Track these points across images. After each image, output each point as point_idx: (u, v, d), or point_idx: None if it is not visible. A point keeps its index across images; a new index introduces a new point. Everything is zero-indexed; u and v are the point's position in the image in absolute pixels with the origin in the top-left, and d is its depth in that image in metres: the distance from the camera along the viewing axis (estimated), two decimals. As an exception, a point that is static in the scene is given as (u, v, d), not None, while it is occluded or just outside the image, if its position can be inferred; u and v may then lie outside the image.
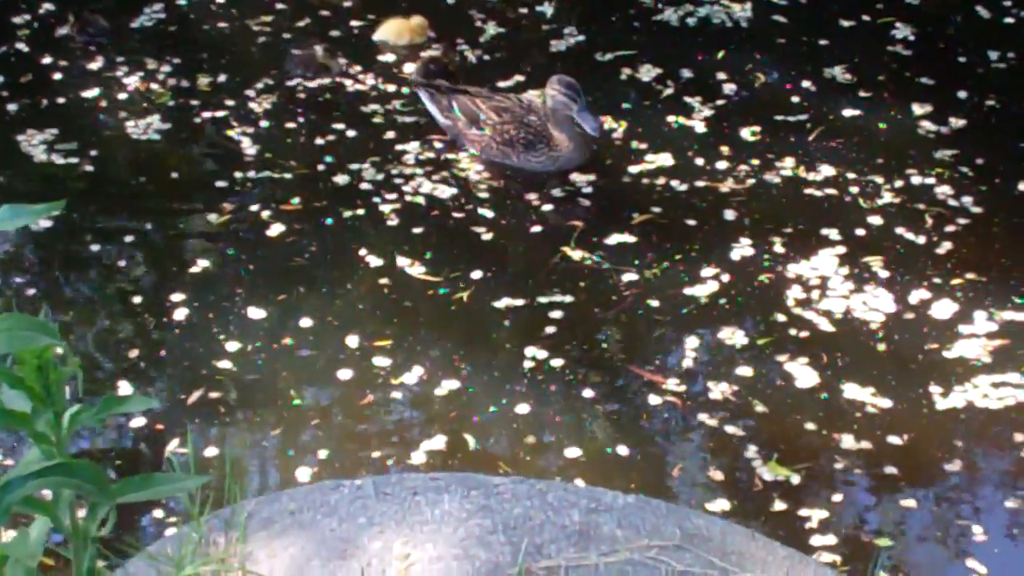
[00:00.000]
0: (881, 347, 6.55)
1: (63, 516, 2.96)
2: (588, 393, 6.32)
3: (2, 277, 6.94)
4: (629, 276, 6.91)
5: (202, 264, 7.01)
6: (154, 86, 8.37)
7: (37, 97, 8.22)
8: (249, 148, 7.90)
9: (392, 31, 8.91)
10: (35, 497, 2.90)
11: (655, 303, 6.78)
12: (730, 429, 6.10)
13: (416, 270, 6.96)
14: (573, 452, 6.01)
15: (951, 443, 6.03)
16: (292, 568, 4.16)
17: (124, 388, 6.20)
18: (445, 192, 7.53)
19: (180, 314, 6.67)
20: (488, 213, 7.37)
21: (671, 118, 8.19)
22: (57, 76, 8.44)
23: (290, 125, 8.02)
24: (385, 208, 7.41)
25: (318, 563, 4.18)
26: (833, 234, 7.22)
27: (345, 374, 6.38)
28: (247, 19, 9.13)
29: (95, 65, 8.54)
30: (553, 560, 4.19)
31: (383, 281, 6.90)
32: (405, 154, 7.83)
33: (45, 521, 3.01)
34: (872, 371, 6.40)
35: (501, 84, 8.49)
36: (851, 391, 6.28)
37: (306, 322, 6.61)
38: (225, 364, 6.39)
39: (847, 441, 6.01)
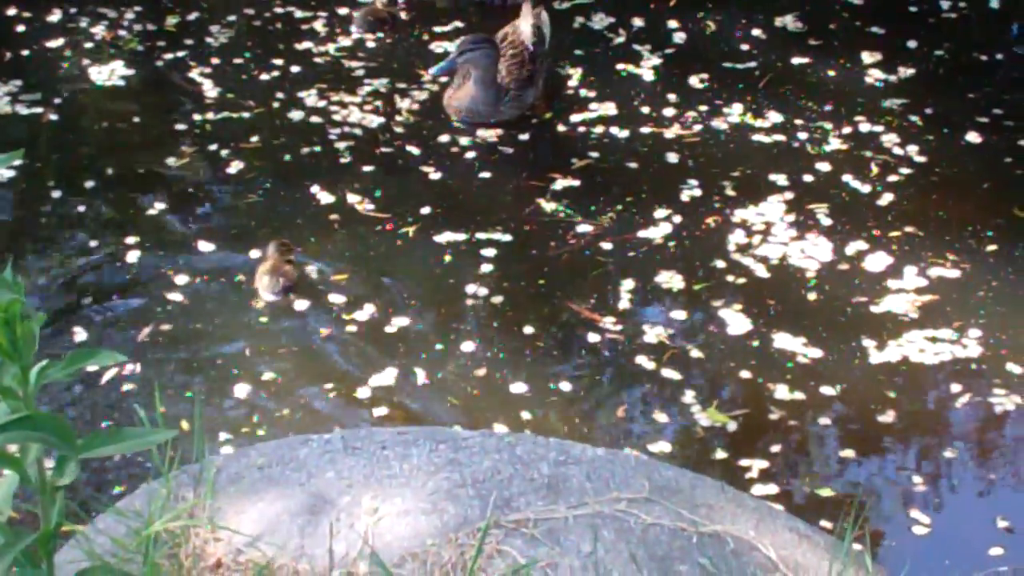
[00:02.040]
0: (812, 296, 6.34)
1: (30, 470, 2.84)
2: (529, 330, 6.15)
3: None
4: (582, 222, 6.73)
5: (159, 206, 6.81)
6: (121, 32, 8.11)
7: (1, 50, 7.94)
8: (210, 90, 7.69)
9: None
10: (2, 451, 2.81)
11: (602, 245, 6.60)
12: (666, 373, 5.90)
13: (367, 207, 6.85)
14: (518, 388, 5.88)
15: (885, 395, 5.81)
16: (261, 523, 3.99)
17: (79, 334, 6.00)
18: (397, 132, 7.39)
19: (133, 256, 6.48)
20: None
21: (621, 66, 7.93)
22: (20, 28, 8.13)
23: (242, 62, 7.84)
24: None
25: (287, 518, 4.02)
26: (781, 180, 7.01)
27: (300, 305, 6.24)
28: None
29: (57, 16, 8.23)
30: (522, 513, 4.02)
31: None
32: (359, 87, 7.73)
33: (13, 476, 2.87)
34: (803, 321, 6.19)
35: (438, 29, 8.31)
36: (782, 340, 6.06)
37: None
38: (176, 297, 6.21)
39: (781, 391, 5.80)
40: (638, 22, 8.31)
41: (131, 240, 6.60)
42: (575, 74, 7.86)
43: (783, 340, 6.06)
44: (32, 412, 2.77)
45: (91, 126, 7.45)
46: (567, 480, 4.18)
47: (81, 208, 6.85)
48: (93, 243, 6.61)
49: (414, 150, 7.32)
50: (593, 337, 6.13)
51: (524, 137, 7.46)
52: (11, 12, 8.25)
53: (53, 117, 7.44)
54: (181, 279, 6.34)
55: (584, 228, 6.69)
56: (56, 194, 6.90)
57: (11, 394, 2.79)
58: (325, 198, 6.90)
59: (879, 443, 5.65)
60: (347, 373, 5.94)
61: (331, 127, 7.45)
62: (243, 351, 6.01)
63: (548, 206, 6.81)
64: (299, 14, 8.40)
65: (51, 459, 2.87)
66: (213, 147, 7.23)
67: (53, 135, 7.35)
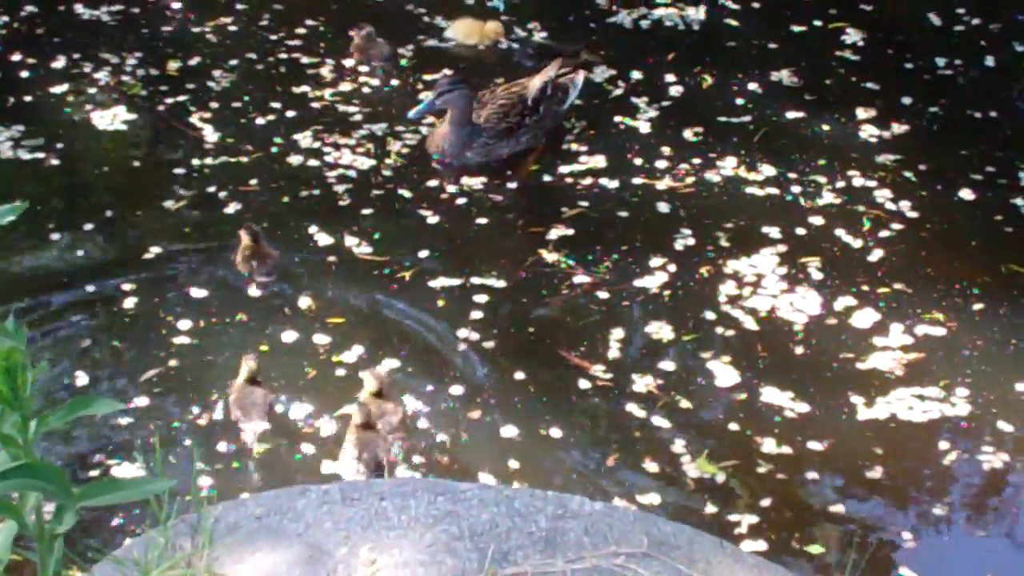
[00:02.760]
0: (799, 350, 6.25)
1: (29, 518, 2.85)
2: (519, 375, 6.06)
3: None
4: (580, 272, 6.65)
5: (154, 249, 6.73)
6: (124, 77, 8.03)
7: (5, 95, 7.83)
8: (210, 135, 7.62)
9: (463, 31, 8.60)
10: (1, 499, 2.81)
11: (597, 294, 6.53)
12: (656, 422, 5.82)
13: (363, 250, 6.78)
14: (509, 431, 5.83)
15: (872, 452, 5.71)
16: (258, 573, 3.93)
17: (81, 378, 5.92)
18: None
19: (130, 301, 6.40)
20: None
21: (618, 118, 7.86)
22: (25, 74, 8.03)
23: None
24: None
25: (284, 568, 3.96)
26: (774, 232, 6.94)
27: (289, 343, 6.19)
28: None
29: (62, 63, 8.13)
30: (520, 567, 3.97)
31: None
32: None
33: (11, 523, 2.88)
34: (791, 375, 6.09)
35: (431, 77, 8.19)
36: (770, 394, 5.97)
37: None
38: (178, 339, 6.15)
39: (768, 445, 5.72)
40: (637, 75, 8.23)
41: (129, 284, 6.50)
42: (572, 125, 7.79)
43: (770, 394, 5.97)
44: (31, 461, 2.76)
45: (92, 170, 7.36)
46: (565, 534, 4.11)
47: (80, 252, 6.75)
48: (91, 287, 6.50)
49: (405, 193, 7.25)
50: (583, 384, 6.04)
51: (512, 185, 7.35)
52: (16, 58, 8.16)
53: (55, 162, 7.33)
54: (183, 323, 6.26)
55: (581, 278, 6.60)
56: (55, 236, 6.81)
57: (11, 442, 2.78)
58: (323, 240, 6.84)
59: (868, 499, 5.55)
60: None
61: (327, 170, 7.38)
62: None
63: (550, 256, 6.72)
64: (305, 60, 8.34)
65: (50, 507, 2.85)
66: (211, 189, 7.16)
67: (54, 179, 7.24)
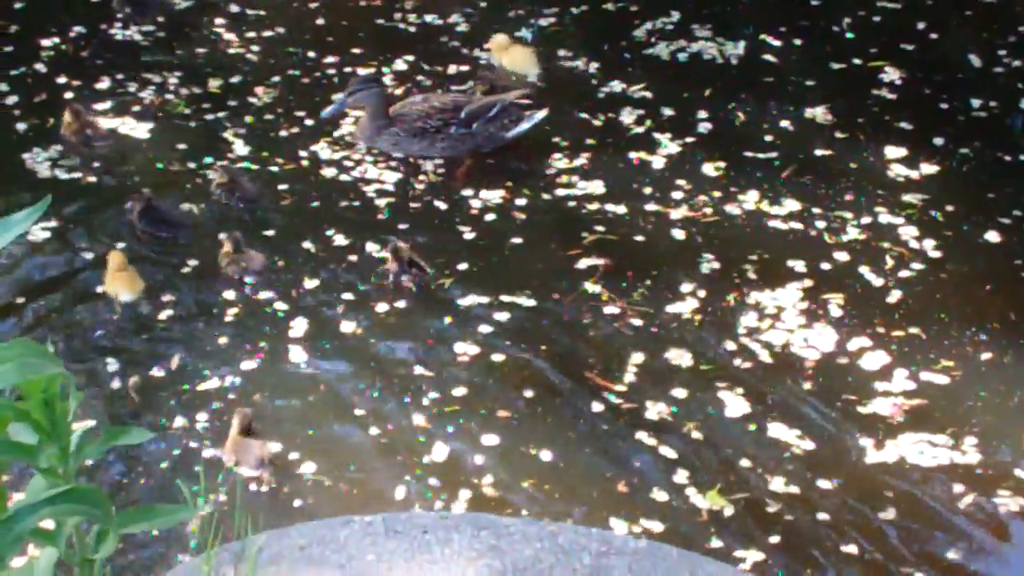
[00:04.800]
0: (807, 386, 6.01)
1: (69, 546, 2.82)
2: (528, 393, 5.95)
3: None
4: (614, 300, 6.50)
5: (192, 263, 6.69)
6: (168, 96, 7.99)
7: (45, 116, 7.74)
8: (241, 148, 7.58)
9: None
10: (42, 527, 2.75)
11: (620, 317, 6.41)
12: (666, 449, 5.64)
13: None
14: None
15: (883, 494, 5.47)
16: None
17: (117, 403, 5.81)
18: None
19: (166, 312, 6.38)
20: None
21: (632, 154, 7.61)
22: (68, 95, 7.96)
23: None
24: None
25: None
26: (799, 266, 6.71)
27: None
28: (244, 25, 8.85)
29: (106, 83, 8.09)
30: None
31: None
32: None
33: (52, 550, 2.83)
34: (798, 411, 5.87)
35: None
36: (777, 430, 5.76)
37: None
38: (211, 358, 6.07)
39: (777, 483, 5.50)
40: (668, 111, 8.00)
41: (167, 299, 6.46)
42: (570, 159, 7.56)
43: (778, 429, 5.75)
44: (74, 485, 2.71)
45: (127, 189, 7.22)
46: (609, 571, 4.02)
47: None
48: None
49: (441, 205, 7.20)
50: (596, 408, 5.86)
51: (520, 201, 7.21)
52: (61, 80, 8.10)
53: (92, 179, 7.28)
54: (222, 340, 6.20)
55: (616, 308, 6.44)
56: (88, 256, 6.73)
57: (52, 473, 2.75)
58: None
59: (879, 541, 5.27)
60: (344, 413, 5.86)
61: (363, 184, 7.33)
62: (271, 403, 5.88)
63: (592, 287, 6.54)
64: (338, 79, 8.29)
65: (90, 532, 2.84)
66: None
67: (91, 198, 7.16)
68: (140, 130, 7.71)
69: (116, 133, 7.66)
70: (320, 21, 8.91)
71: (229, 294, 6.51)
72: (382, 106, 7.63)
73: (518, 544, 4.18)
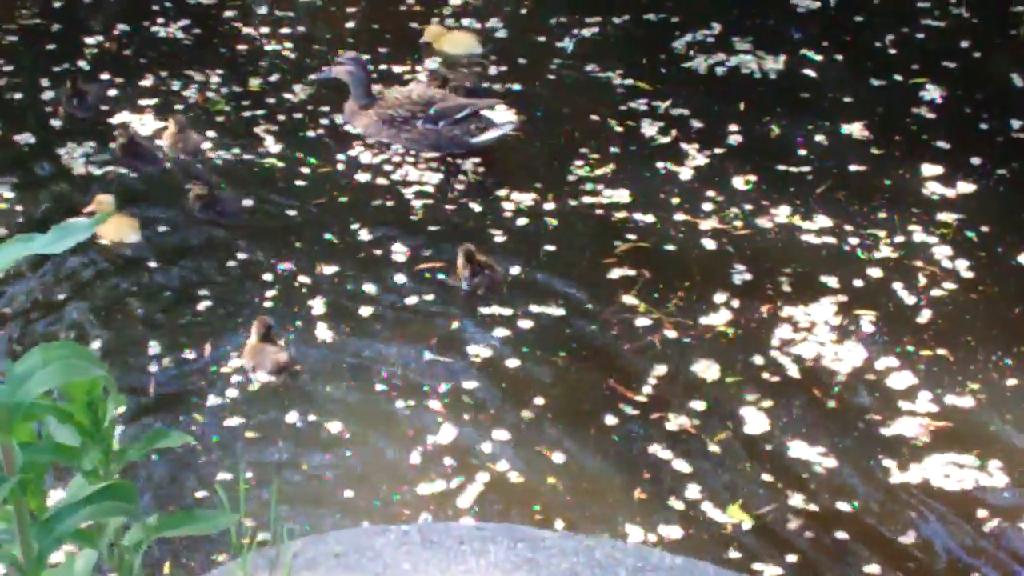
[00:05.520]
0: (832, 403, 5.88)
1: (106, 548, 2.85)
2: (544, 396, 5.92)
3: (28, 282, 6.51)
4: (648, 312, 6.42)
5: (230, 264, 6.69)
6: (209, 94, 7.99)
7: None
8: (273, 145, 7.60)
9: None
10: (82, 528, 2.76)
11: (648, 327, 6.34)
12: (685, 460, 5.56)
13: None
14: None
15: (906, 516, 5.32)
16: None
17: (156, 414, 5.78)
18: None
19: (202, 305, 6.40)
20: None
21: (660, 164, 7.51)
22: (113, 92, 8.00)
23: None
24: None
25: None
26: (832, 281, 6.60)
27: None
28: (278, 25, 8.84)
29: (150, 81, 8.10)
30: None
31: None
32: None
33: (90, 551, 2.85)
34: (820, 429, 5.75)
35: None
36: (798, 447, 5.63)
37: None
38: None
39: (797, 499, 5.38)
40: (697, 123, 7.88)
41: (203, 294, 6.47)
42: (595, 167, 7.48)
43: (799, 447, 5.63)
44: (110, 482, 2.72)
45: (160, 185, 7.29)
46: None
47: (152, 263, 6.70)
48: (167, 294, 6.49)
49: (476, 207, 7.16)
50: (615, 415, 5.78)
51: (549, 206, 7.15)
52: (104, 77, 8.10)
53: (124, 173, 7.27)
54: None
55: (648, 320, 6.34)
56: (127, 252, 6.73)
57: (94, 475, 2.76)
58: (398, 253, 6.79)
59: (901, 563, 5.12)
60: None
61: (402, 186, 7.30)
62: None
63: (629, 299, 6.44)
64: (397, 69, 8.32)
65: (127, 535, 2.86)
66: (287, 208, 7.14)
67: (122, 193, 7.11)
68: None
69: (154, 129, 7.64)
70: (350, 24, 8.89)
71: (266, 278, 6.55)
72: (361, 86, 7.66)
73: (554, 558, 4.13)
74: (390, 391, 5.99)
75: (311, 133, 7.74)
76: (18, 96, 7.95)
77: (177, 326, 6.29)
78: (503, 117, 7.68)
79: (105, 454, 2.75)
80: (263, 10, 8.91)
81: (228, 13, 8.93)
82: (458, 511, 5.39)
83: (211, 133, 7.68)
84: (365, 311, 6.43)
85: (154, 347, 6.12)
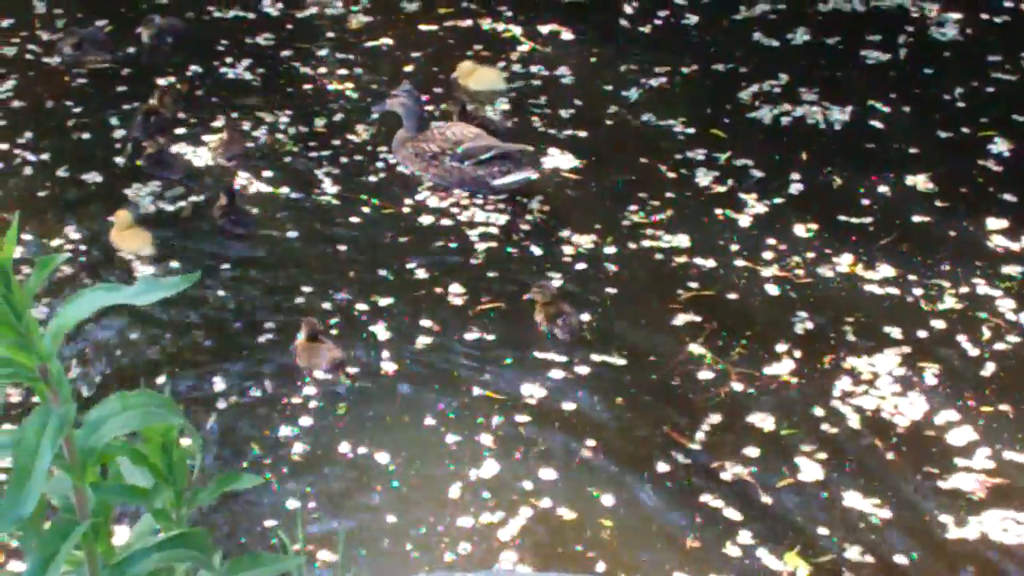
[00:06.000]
0: (889, 456, 5.78)
1: None
2: (594, 439, 5.89)
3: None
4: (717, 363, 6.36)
5: (297, 300, 6.70)
6: (279, 136, 8.03)
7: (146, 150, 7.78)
8: (332, 187, 7.64)
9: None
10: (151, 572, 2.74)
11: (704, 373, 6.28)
12: (737, 509, 5.52)
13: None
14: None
15: (962, 570, 5.24)
16: None
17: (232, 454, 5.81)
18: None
19: (265, 336, 6.47)
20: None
21: (719, 210, 7.44)
22: (181, 130, 8.07)
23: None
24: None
25: None
26: (895, 332, 6.51)
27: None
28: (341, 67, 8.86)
29: (221, 122, 8.14)
30: None
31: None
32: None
33: None
34: (874, 480, 5.65)
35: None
36: (852, 498, 5.56)
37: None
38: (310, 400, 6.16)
39: (853, 552, 5.31)
40: (757, 173, 7.79)
41: (269, 326, 6.51)
42: (651, 213, 7.44)
43: (853, 498, 5.55)
44: (183, 529, 2.73)
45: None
46: None
47: (220, 292, 6.75)
48: (235, 325, 6.54)
49: (536, 250, 7.14)
50: (671, 464, 5.73)
51: (611, 251, 7.13)
52: (181, 115, 8.17)
53: (190, 215, 7.34)
54: (309, 389, 6.18)
55: (708, 371, 6.29)
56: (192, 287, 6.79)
57: (164, 516, 2.76)
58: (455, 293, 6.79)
59: None
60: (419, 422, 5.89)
61: (468, 228, 7.32)
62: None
63: (696, 349, 6.40)
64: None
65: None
66: (325, 229, 7.22)
67: (184, 230, 7.23)
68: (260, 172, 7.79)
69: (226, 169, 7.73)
70: (409, 68, 8.91)
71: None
72: (413, 119, 7.76)
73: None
74: (440, 424, 5.99)
75: (373, 178, 7.76)
76: (86, 136, 8.02)
77: (241, 358, 6.33)
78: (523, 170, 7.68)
79: (177, 496, 2.75)
80: (323, 52, 8.96)
81: (285, 52, 8.98)
82: (501, 545, 5.37)
83: (270, 172, 7.75)
84: (421, 342, 6.45)
85: (219, 383, 6.15)
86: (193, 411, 5.92)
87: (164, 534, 2.70)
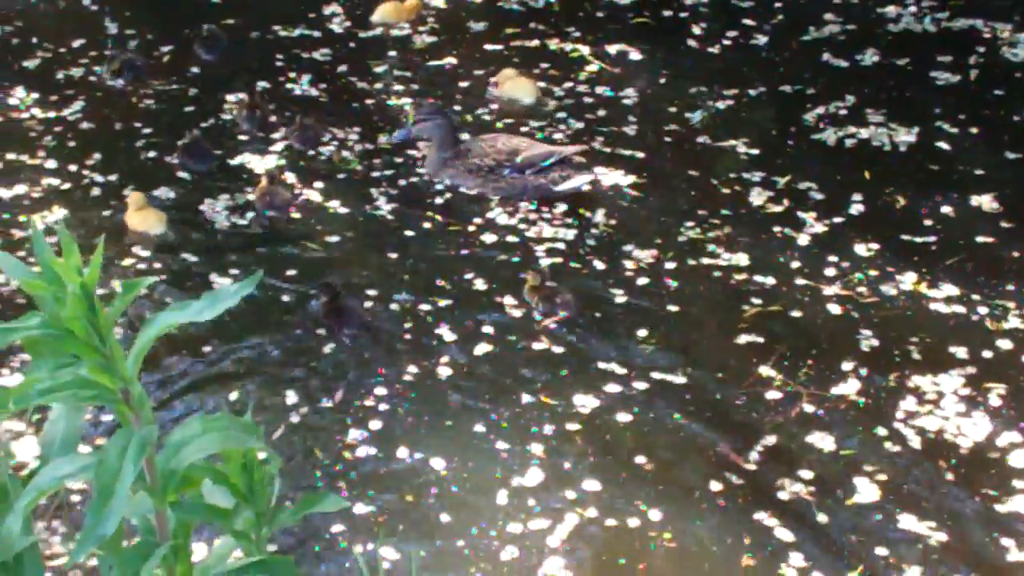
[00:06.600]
0: (949, 477, 5.69)
1: None
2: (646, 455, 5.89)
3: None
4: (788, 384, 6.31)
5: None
6: (345, 153, 8.07)
7: (227, 168, 7.95)
8: (386, 206, 7.66)
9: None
10: None
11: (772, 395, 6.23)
12: (792, 529, 5.48)
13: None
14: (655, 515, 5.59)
15: None
16: None
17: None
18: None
19: (326, 347, 6.53)
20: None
21: (777, 228, 7.41)
22: (242, 137, 8.19)
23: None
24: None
25: None
26: (961, 352, 6.41)
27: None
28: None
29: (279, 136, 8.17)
30: None
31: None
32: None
33: None
34: (931, 502, 5.58)
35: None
36: (907, 520, 5.50)
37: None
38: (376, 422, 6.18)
39: (912, 574, 5.27)
40: (818, 195, 7.71)
41: (328, 348, 6.53)
42: (707, 230, 7.42)
43: (908, 520, 5.49)
44: (266, 556, 2.76)
45: (294, 237, 7.37)
46: None
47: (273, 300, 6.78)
48: (299, 331, 6.61)
49: (600, 264, 7.14)
50: (724, 483, 5.70)
51: (669, 265, 7.11)
52: (243, 138, 8.22)
53: (258, 231, 7.40)
54: (379, 390, 6.26)
55: (778, 392, 6.26)
56: (256, 293, 6.66)
57: (244, 537, 2.80)
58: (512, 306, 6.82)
59: None
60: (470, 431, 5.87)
61: (534, 244, 7.32)
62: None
63: (766, 371, 6.34)
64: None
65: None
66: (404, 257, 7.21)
67: (259, 246, 7.27)
68: (313, 184, 7.84)
69: (292, 186, 7.78)
70: (465, 83, 8.94)
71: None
72: (447, 138, 7.73)
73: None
74: (489, 431, 6.03)
75: (439, 200, 7.78)
76: (152, 155, 8.09)
77: (311, 369, 6.39)
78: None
79: (258, 516, 2.77)
80: (381, 69, 9.03)
81: (342, 68, 9.04)
82: (546, 551, 5.39)
83: (331, 186, 7.83)
84: (480, 349, 6.51)
85: (291, 397, 6.22)
86: (264, 422, 5.98)
87: (244, 556, 2.72)
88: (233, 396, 6.17)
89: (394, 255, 7.23)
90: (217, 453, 2.72)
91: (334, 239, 7.37)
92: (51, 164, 7.91)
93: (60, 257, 2.56)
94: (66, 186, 7.72)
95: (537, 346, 6.55)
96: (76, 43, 9.22)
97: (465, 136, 7.93)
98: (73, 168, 7.90)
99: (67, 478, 2.60)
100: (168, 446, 2.62)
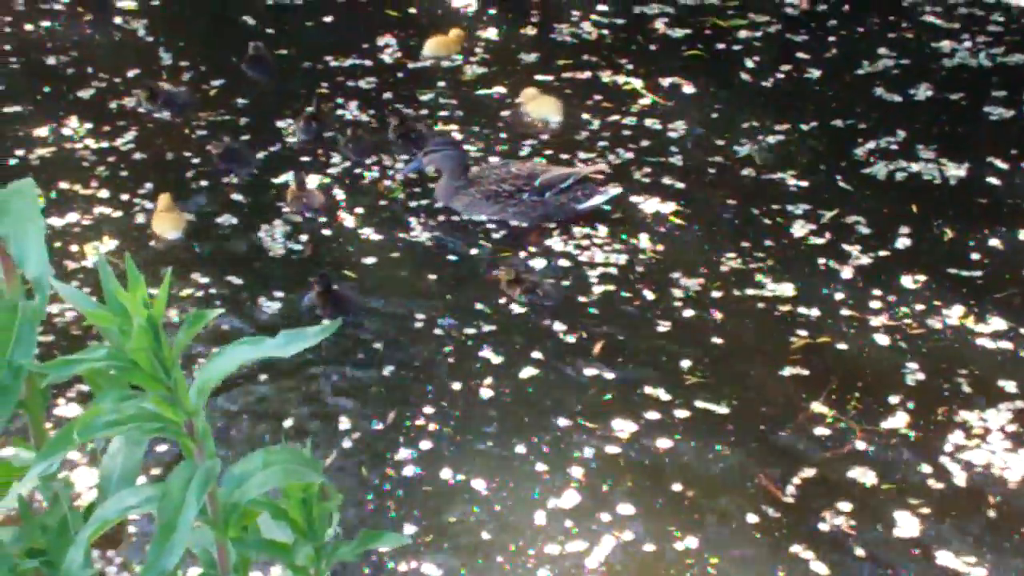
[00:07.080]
0: (991, 513, 5.62)
1: None
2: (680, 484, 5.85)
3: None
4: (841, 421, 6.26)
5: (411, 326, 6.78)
6: (387, 182, 8.13)
7: (272, 196, 7.98)
8: (420, 235, 7.69)
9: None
10: None
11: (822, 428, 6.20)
12: (820, 568, 5.45)
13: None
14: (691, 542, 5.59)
15: None
16: None
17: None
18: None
19: (388, 368, 6.56)
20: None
21: (821, 260, 7.36)
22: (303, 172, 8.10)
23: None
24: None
25: None
26: (1010, 386, 6.36)
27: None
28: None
29: (339, 168, 8.25)
30: None
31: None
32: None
33: None
34: (971, 536, 5.52)
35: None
36: (945, 557, 5.44)
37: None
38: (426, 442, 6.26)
39: None
40: (864, 230, 7.65)
41: (386, 371, 6.58)
42: (750, 260, 7.40)
43: (946, 557, 5.43)
44: None
45: (344, 264, 7.41)
46: None
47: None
48: (356, 370, 6.61)
49: (649, 295, 7.13)
50: (761, 515, 5.68)
51: (717, 295, 7.10)
52: (304, 159, 8.31)
53: (308, 254, 7.44)
54: (429, 421, 6.28)
55: (828, 428, 6.21)
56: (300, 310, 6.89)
57: (303, 572, 2.80)
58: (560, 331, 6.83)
59: None
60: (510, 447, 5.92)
61: (589, 268, 7.34)
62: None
63: (819, 408, 6.31)
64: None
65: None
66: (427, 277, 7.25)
67: (309, 271, 7.26)
68: (355, 210, 7.91)
69: (335, 207, 7.86)
70: (505, 112, 8.97)
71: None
72: (459, 168, 7.76)
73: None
74: (530, 453, 6.04)
75: (497, 235, 7.81)
76: (204, 183, 8.17)
77: (366, 393, 6.45)
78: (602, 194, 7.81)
79: (317, 552, 2.78)
80: (427, 97, 9.08)
81: (387, 95, 9.10)
82: (584, 573, 5.41)
83: (371, 212, 7.90)
84: (525, 373, 6.54)
85: (344, 422, 6.26)
86: (317, 445, 6.04)
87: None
88: (287, 423, 6.21)
89: (433, 276, 7.30)
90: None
91: (374, 263, 7.46)
92: (104, 193, 7.97)
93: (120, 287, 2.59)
94: (117, 214, 7.78)
95: (583, 371, 6.57)
96: (130, 73, 9.31)
97: (475, 169, 7.93)
98: (125, 197, 7.94)
99: (130, 510, 2.60)
100: (229, 479, 2.63)
